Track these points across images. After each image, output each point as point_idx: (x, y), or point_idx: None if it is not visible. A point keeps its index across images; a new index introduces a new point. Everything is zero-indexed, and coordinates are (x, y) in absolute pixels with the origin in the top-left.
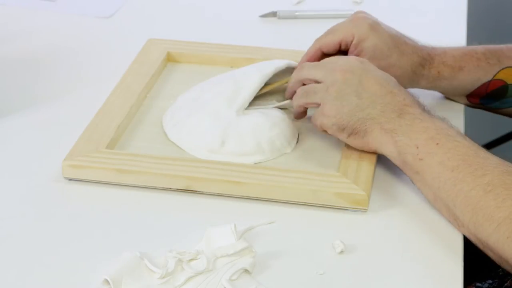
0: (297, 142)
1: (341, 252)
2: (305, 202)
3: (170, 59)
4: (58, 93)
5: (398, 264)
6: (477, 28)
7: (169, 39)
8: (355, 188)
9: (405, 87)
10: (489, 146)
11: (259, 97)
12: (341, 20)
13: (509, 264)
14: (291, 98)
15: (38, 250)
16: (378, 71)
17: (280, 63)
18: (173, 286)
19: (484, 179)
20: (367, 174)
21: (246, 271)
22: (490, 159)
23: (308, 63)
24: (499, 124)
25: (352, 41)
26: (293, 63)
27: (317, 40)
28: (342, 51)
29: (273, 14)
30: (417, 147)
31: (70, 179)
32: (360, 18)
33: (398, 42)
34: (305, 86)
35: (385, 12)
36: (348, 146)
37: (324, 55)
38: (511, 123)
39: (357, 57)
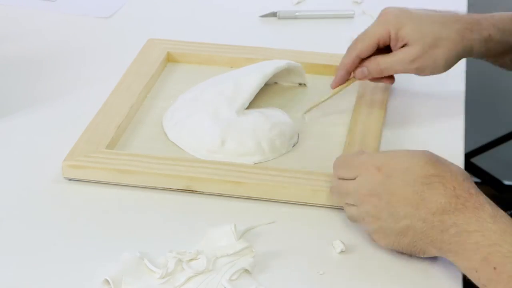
0: (297, 142)
1: (341, 252)
2: (305, 202)
3: (170, 59)
4: (58, 93)
5: (398, 264)
6: None
7: (169, 39)
8: None
9: (459, 57)
10: (489, 146)
11: (260, 98)
12: (341, 20)
13: None
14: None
15: (38, 250)
16: (400, 170)
17: (280, 63)
18: (173, 286)
19: None
20: None
21: (246, 271)
22: None
23: (336, 163)
24: (499, 124)
25: (390, 36)
26: (293, 63)
27: (352, 48)
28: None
29: (273, 14)
30: (477, 271)
31: (70, 179)
32: (386, 13)
33: (435, 17)
34: (345, 209)
35: None
36: (348, 146)
37: (362, 60)
38: (511, 123)
39: (374, 163)
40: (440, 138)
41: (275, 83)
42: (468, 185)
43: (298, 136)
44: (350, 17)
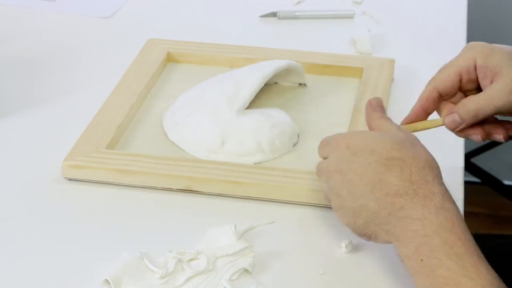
0: (297, 142)
1: (348, 251)
2: (305, 202)
3: (170, 59)
4: (58, 93)
5: (399, 264)
6: (477, 28)
7: (169, 39)
8: None
9: None
10: (489, 146)
11: (260, 98)
12: (341, 20)
13: None
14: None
15: (38, 250)
16: (366, 150)
17: (280, 63)
18: (173, 286)
19: None
20: None
21: (246, 271)
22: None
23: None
24: None
25: (475, 65)
26: (293, 63)
27: (431, 79)
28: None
29: (273, 14)
30: (409, 259)
31: (70, 179)
32: (471, 43)
33: None
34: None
35: (385, 12)
36: None
37: (441, 97)
38: None
39: (346, 139)
40: (440, 138)
41: (275, 83)
42: (426, 173)
43: (298, 136)
44: (350, 17)
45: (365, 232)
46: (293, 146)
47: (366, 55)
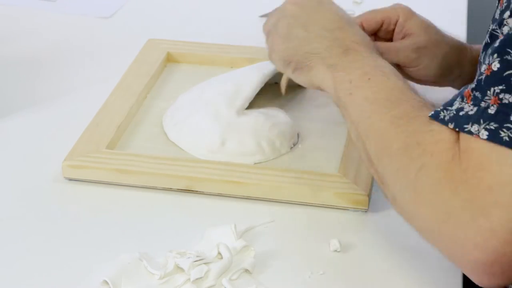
0: (297, 142)
1: (335, 251)
2: (305, 202)
3: (170, 59)
4: (58, 93)
5: (399, 264)
6: (477, 28)
7: (169, 39)
8: (355, 188)
9: (453, 69)
10: None
11: (260, 98)
12: None
13: (396, 201)
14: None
15: (37, 250)
16: (333, 5)
17: None
18: (173, 286)
19: (395, 111)
20: (367, 174)
21: (246, 271)
22: (411, 95)
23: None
24: None
25: (397, 20)
26: None
27: (358, 16)
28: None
29: None
30: (351, 82)
31: (70, 179)
32: (399, 4)
33: (435, 27)
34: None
35: None
36: (348, 146)
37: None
38: None
39: None
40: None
41: (275, 83)
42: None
43: (298, 136)
44: None
45: (301, 61)
46: (293, 146)
47: None
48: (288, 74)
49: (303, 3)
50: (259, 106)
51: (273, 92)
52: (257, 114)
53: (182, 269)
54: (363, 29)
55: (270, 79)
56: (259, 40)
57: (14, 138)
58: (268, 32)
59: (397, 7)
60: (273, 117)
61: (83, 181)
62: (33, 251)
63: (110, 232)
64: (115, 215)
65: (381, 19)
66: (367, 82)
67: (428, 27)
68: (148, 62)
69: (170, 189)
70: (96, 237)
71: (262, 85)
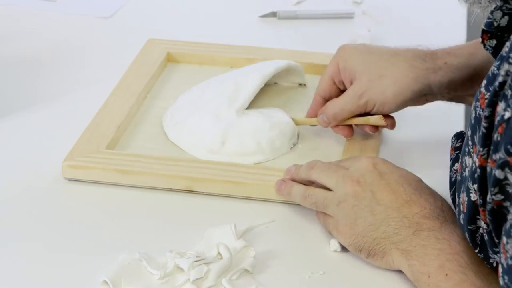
0: (297, 142)
1: (335, 251)
2: None
3: (170, 59)
4: (58, 93)
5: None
6: (477, 28)
7: (169, 39)
8: None
9: (413, 90)
10: None
11: (260, 98)
12: (341, 20)
13: None
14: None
15: (37, 250)
16: (396, 173)
17: (280, 63)
18: (173, 286)
19: None
20: None
21: (246, 271)
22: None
23: (319, 163)
24: None
25: (339, 69)
26: (293, 63)
27: (317, 87)
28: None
29: (273, 14)
30: (429, 276)
31: (70, 179)
32: (340, 48)
33: (387, 49)
34: (313, 193)
35: (385, 12)
36: (348, 146)
37: (327, 101)
38: None
39: (371, 159)
40: (441, 139)
41: (275, 83)
42: (452, 211)
43: (298, 136)
44: (350, 17)
45: (372, 247)
46: (293, 146)
47: None
48: (364, 258)
49: (364, 181)
50: (259, 106)
51: (273, 92)
52: (257, 114)
53: (182, 269)
54: (325, 100)
55: (270, 79)
56: (259, 40)
57: (14, 138)
58: (326, 208)
59: (336, 55)
60: (273, 117)
61: (83, 181)
62: (33, 251)
63: (110, 232)
64: (115, 215)
65: (330, 79)
66: (446, 282)
67: (367, 63)
68: (148, 62)
69: (170, 189)
70: (96, 237)
71: (262, 85)
